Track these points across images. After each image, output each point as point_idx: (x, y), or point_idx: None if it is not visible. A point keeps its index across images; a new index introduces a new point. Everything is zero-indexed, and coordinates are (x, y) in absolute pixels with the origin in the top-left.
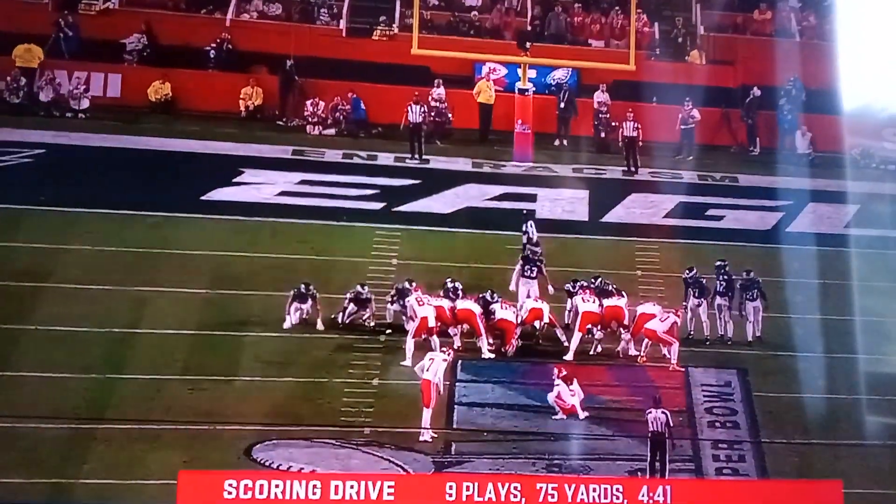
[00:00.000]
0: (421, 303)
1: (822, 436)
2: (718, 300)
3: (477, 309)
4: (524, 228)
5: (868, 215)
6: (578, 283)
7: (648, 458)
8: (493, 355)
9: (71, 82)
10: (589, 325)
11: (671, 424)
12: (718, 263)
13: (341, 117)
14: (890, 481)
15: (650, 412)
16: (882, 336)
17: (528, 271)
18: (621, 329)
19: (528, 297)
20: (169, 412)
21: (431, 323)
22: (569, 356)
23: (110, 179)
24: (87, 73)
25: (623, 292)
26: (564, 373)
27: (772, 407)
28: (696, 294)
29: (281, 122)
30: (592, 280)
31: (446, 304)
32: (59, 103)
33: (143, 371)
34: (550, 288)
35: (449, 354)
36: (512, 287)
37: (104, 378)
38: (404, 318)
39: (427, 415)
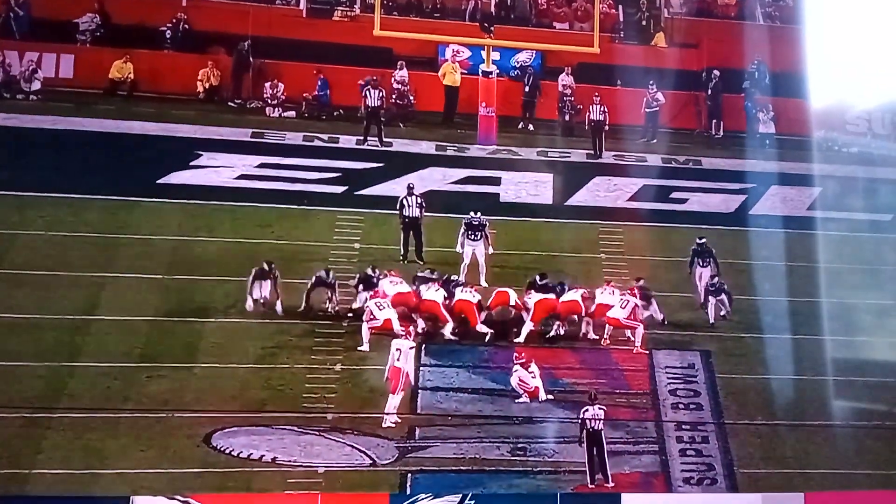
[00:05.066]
0: (381, 307)
1: (785, 417)
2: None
3: (440, 298)
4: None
5: (831, 198)
6: (532, 281)
7: (587, 455)
8: (455, 337)
9: (22, 63)
10: (547, 316)
11: (604, 419)
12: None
13: (310, 98)
14: (854, 463)
15: (586, 409)
16: (845, 318)
17: (473, 235)
18: (584, 319)
19: (473, 258)
20: (126, 400)
21: (396, 327)
22: (520, 339)
23: (64, 162)
24: (38, 54)
25: (575, 286)
26: (523, 357)
27: (735, 388)
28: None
29: (234, 104)
30: (542, 278)
31: (407, 289)
32: (9, 85)
33: (98, 358)
34: (490, 248)
35: (413, 341)
36: (458, 249)
37: (58, 366)
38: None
39: (394, 401)
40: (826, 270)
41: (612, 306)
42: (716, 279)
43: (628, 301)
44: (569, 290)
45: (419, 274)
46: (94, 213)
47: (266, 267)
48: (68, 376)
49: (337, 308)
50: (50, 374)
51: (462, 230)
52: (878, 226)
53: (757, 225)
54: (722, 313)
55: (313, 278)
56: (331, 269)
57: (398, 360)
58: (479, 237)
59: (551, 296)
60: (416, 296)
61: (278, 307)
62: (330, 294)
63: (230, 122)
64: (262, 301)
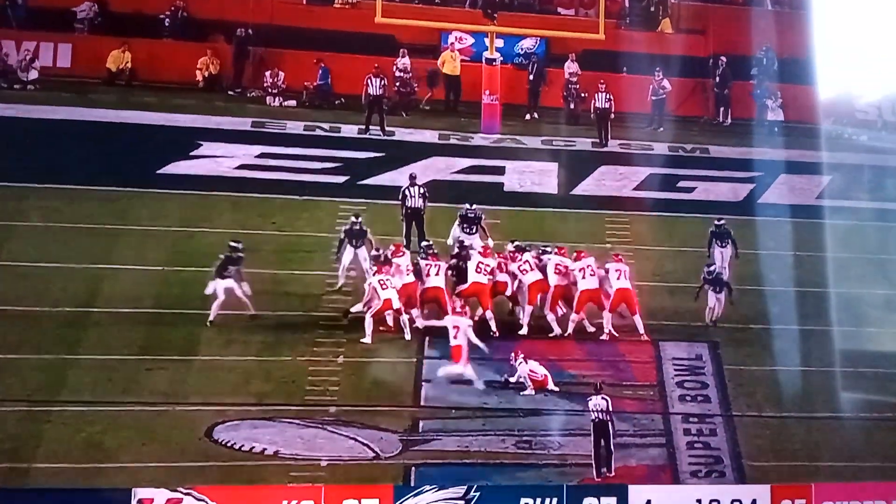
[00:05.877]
0: (384, 286)
1: (794, 409)
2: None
3: (442, 283)
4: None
5: (840, 186)
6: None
7: (593, 446)
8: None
9: (19, 53)
10: (539, 295)
11: (611, 410)
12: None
13: (311, 87)
14: (863, 455)
15: (590, 399)
16: (854, 308)
17: (468, 228)
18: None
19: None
20: (126, 393)
21: (396, 304)
22: (523, 330)
23: (62, 153)
24: (35, 43)
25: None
26: (522, 354)
27: (743, 380)
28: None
29: (234, 93)
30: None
31: (411, 279)
32: (6, 75)
33: (98, 351)
34: (490, 241)
35: (470, 318)
36: (450, 241)
37: (58, 358)
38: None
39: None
40: (835, 260)
41: (596, 288)
42: (713, 267)
43: (621, 270)
44: (553, 254)
45: (420, 255)
46: (94, 204)
47: (233, 246)
48: (68, 369)
49: (380, 249)
50: (49, 366)
51: (457, 222)
52: (889, 215)
53: (765, 214)
54: (712, 319)
55: (343, 230)
56: (360, 214)
57: (456, 337)
58: (474, 230)
59: (539, 275)
60: (418, 284)
61: (246, 289)
62: (362, 244)
63: (230, 112)
64: (231, 293)
